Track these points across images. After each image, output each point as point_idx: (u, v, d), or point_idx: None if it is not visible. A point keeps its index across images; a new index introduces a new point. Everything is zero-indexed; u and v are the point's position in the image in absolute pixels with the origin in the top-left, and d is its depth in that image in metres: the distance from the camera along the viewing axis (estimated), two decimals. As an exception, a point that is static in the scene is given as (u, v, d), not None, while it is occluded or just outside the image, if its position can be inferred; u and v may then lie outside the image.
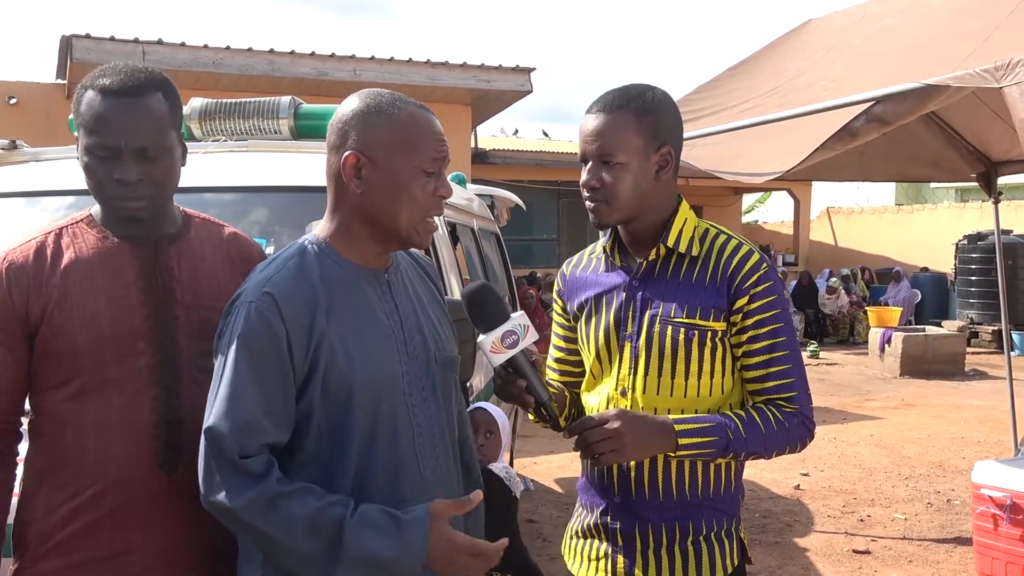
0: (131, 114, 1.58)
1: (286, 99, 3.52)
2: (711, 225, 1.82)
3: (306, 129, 3.50)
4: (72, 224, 1.70)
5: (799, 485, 6.11)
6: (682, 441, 1.68)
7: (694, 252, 1.76)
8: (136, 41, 9.68)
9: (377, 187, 1.52)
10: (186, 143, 1.73)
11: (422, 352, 1.60)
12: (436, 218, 1.59)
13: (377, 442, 1.51)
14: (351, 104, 1.55)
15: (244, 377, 1.43)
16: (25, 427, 1.68)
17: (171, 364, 1.63)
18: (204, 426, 1.43)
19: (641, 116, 1.71)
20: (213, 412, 1.43)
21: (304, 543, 1.40)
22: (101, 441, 1.59)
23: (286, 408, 1.47)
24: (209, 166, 3.13)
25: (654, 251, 1.78)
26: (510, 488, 2.65)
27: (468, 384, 3.16)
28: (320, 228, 1.59)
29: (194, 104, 3.50)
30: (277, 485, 1.41)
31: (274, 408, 1.45)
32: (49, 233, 1.68)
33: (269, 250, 2.02)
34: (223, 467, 1.41)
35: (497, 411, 2.83)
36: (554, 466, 6.59)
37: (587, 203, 1.76)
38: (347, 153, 1.51)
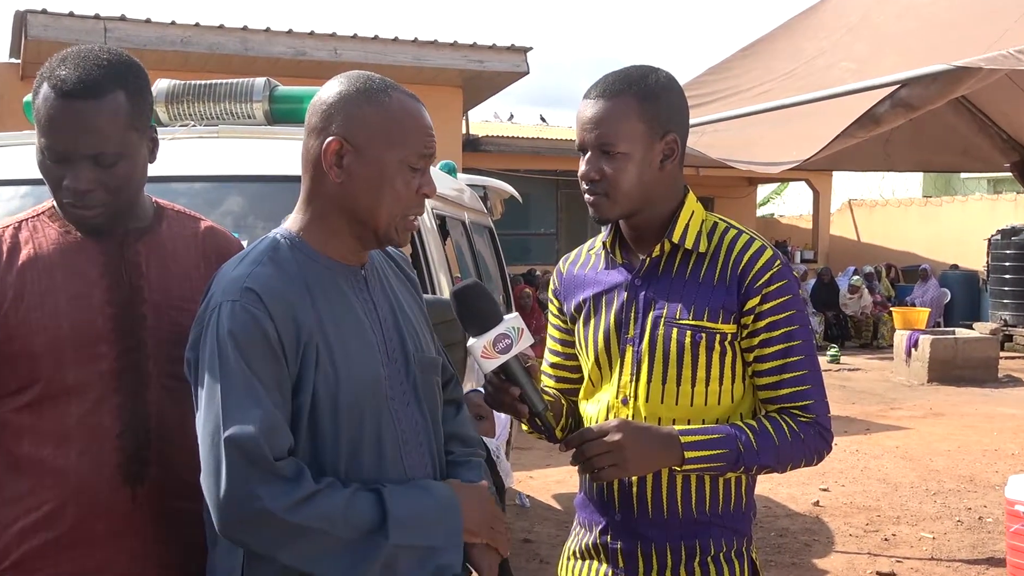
0: (84, 119, 1.56)
1: (260, 81, 3.52)
2: (720, 219, 1.83)
3: (282, 113, 3.50)
4: (32, 217, 1.70)
5: (818, 501, 6.13)
6: (688, 454, 1.69)
7: (701, 248, 1.77)
8: (97, 17, 9.66)
9: (359, 178, 1.52)
10: (157, 134, 1.71)
11: (401, 353, 1.61)
12: (417, 217, 1.60)
13: (362, 450, 1.52)
14: (337, 86, 1.55)
15: (252, 378, 1.42)
16: None
17: (137, 369, 1.63)
18: (224, 436, 1.40)
19: (644, 101, 1.72)
20: (232, 420, 1.40)
21: (349, 528, 1.43)
22: (60, 452, 1.59)
23: (288, 412, 1.46)
24: (176, 153, 3.12)
25: (658, 247, 1.78)
26: (500, 472, 2.65)
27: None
28: (291, 220, 1.59)
29: (160, 86, 3.50)
30: (313, 484, 1.43)
31: (283, 411, 1.45)
32: (7, 227, 1.68)
33: (244, 245, 2.02)
34: (259, 474, 1.39)
35: None
36: (552, 481, 6.59)
37: (586, 196, 1.77)
38: (330, 139, 1.51)
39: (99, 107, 1.57)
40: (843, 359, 13.19)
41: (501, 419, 2.85)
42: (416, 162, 1.54)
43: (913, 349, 11.42)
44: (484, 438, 2.62)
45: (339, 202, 1.54)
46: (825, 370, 10.11)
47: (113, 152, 1.59)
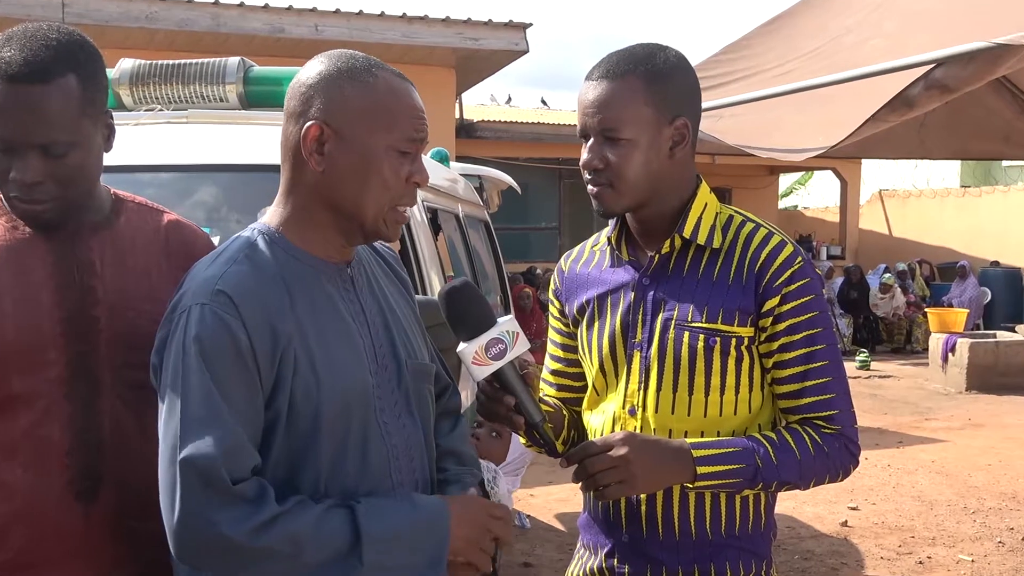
0: (31, 105, 1.56)
1: (234, 60, 3.52)
2: (736, 211, 1.83)
3: (258, 96, 3.51)
4: None
5: (846, 521, 6.14)
6: (701, 469, 1.69)
7: (715, 243, 1.77)
8: (55, -10, 9.64)
9: (342, 166, 1.52)
10: (113, 120, 1.71)
11: (392, 360, 1.62)
12: (408, 209, 1.60)
13: (346, 466, 1.53)
14: (317, 66, 1.56)
15: (215, 391, 1.42)
16: None
17: (89, 377, 1.63)
18: (180, 456, 1.40)
19: (651, 83, 1.72)
20: (190, 438, 1.40)
21: (319, 550, 1.43)
22: (5, 467, 1.59)
23: (258, 426, 1.47)
24: (142, 141, 3.13)
25: (668, 242, 1.78)
26: (494, 500, 2.66)
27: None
28: (270, 214, 1.60)
29: (124, 67, 3.51)
30: (277, 506, 1.43)
31: (250, 427, 1.45)
32: None
33: (215, 241, 2.02)
34: (216, 499, 1.39)
35: None
36: (554, 499, 6.60)
37: (589, 187, 1.77)
38: (309, 123, 1.51)
39: (48, 92, 1.56)
40: (873, 365, 13.20)
41: (519, 442, 2.83)
42: (405, 146, 1.54)
43: (950, 354, 11.42)
44: (482, 461, 2.62)
45: (321, 193, 1.55)
46: (854, 377, 9.98)
47: (64, 141, 1.58)
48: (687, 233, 1.77)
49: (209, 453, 1.39)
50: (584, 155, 1.76)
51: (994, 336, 12.01)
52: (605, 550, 1.85)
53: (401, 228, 1.64)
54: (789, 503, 6.20)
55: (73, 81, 1.59)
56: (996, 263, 17.14)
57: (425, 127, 1.57)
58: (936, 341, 11.88)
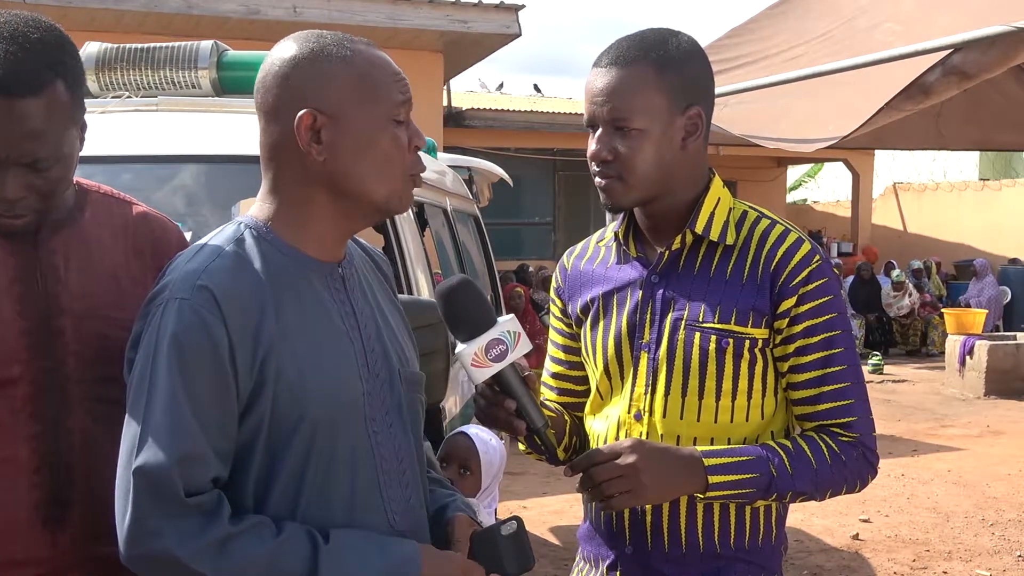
0: (19, 120, 1.49)
1: (207, 44, 3.52)
2: (750, 207, 1.84)
3: (232, 82, 3.50)
4: None
5: (858, 534, 6.16)
6: (713, 479, 1.70)
7: (728, 240, 1.78)
8: (13, -31, 9.60)
9: (345, 150, 1.52)
10: (86, 117, 1.65)
11: (384, 366, 1.62)
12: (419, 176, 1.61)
13: (333, 481, 1.52)
14: (288, 52, 1.55)
15: (181, 396, 1.42)
16: None
17: (56, 393, 1.60)
18: (134, 464, 1.40)
19: (663, 70, 1.73)
20: (146, 444, 1.41)
21: None
22: None
23: (229, 435, 1.47)
24: (108, 130, 3.12)
25: (679, 238, 1.79)
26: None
27: (440, 407, 3.16)
28: (256, 208, 1.59)
29: (89, 50, 3.49)
30: (230, 525, 1.42)
31: (218, 435, 1.45)
32: None
33: (186, 238, 2.01)
34: (165, 509, 1.40)
35: (484, 440, 2.81)
36: (548, 512, 6.61)
37: (597, 180, 1.77)
38: (301, 112, 1.50)
39: (37, 105, 1.50)
40: (887, 369, 13.25)
41: (491, 467, 2.80)
42: (398, 114, 1.55)
43: (968, 357, 11.46)
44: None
45: (326, 183, 1.54)
46: (866, 381, 9.96)
47: (50, 156, 1.54)
48: (699, 228, 1.78)
49: (163, 462, 1.40)
50: (592, 146, 1.76)
51: (1015, 338, 12.05)
52: (607, 562, 1.85)
53: (413, 196, 1.64)
54: (797, 515, 6.22)
55: (61, 88, 1.53)
56: (1016, 260, 17.20)
57: (408, 87, 1.59)
58: (953, 343, 11.92)
